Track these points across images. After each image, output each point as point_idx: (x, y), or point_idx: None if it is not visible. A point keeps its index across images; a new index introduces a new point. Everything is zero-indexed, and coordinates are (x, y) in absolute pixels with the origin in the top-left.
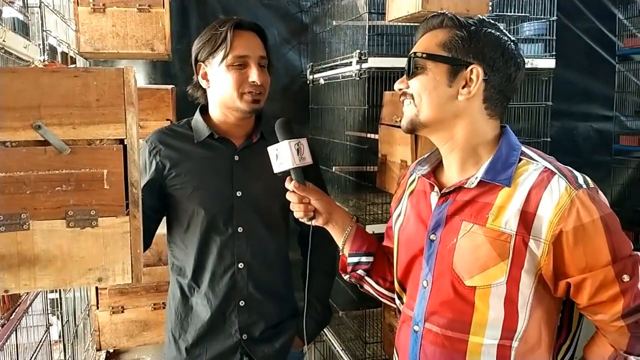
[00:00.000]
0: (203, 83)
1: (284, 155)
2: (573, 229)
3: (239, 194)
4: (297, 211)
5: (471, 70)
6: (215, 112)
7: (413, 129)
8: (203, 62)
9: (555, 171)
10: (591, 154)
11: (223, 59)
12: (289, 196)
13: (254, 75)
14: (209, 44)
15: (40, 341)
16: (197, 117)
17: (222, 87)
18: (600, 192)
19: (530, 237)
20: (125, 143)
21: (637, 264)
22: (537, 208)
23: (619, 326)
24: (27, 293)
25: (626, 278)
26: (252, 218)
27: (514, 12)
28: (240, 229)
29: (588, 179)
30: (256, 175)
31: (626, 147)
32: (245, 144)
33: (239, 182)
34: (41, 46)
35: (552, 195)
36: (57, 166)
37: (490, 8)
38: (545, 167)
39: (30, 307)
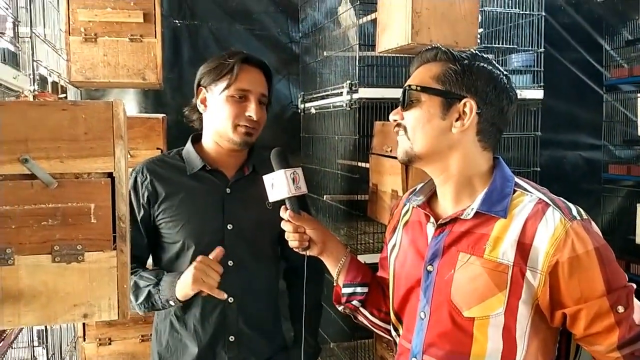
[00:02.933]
0: (200, 107)
1: (279, 184)
2: (568, 259)
3: (229, 227)
4: (292, 240)
5: (464, 104)
6: (208, 141)
7: (409, 161)
8: (205, 87)
9: (550, 202)
10: (580, 183)
11: (225, 88)
12: (284, 225)
13: (251, 110)
14: (215, 71)
15: None
16: (189, 147)
17: (218, 116)
18: (593, 223)
19: (527, 267)
20: (114, 176)
21: (632, 294)
22: (534, 239)
23: (615, 357)
24: None
25: (621, 309)
26: (243, 251)
27: (502, 44)
28: (230, 263)
29: (581, 210)
30: (247, 208)
31: (615, 175)
32: (237, 176)
33: (230, 215)
34: (31, 76)
35: (548, 226)
36: (43, 200)
37: (478, 40)
38: (540, 199)
39: (15, 340)
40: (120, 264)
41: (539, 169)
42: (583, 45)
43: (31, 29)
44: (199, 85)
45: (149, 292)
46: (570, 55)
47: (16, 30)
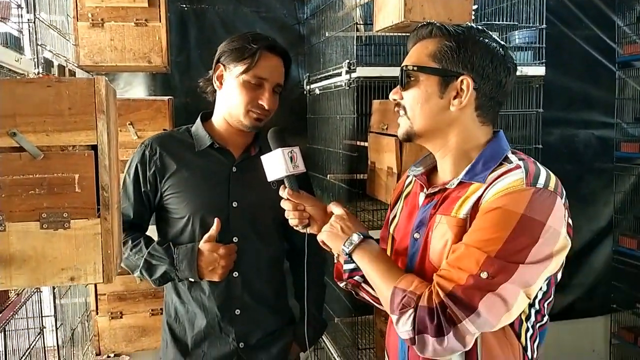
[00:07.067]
0: (216, 84)
1: (277, 163)
2: (495, 208)
3: (234, 204)
4: (292, 218)
5: (461, 81)
6: (218, 118)
7: (409, 139)
8: (224, 65)
9: (522, 166)
10: (592, 161)
11: (243, 72)
12: (283, 204)
13: (265, 99)
14: (236, 52)
15: (31, 345)
16: (199, 124)
17: (232, 98)
18: (558, 199)
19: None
20: (97, 149)
21: (508, 278)
22: (488, 192)
23: (436, 291)
24: (18, 294)
25: (484, 275)
26: (246, 228)
27: (504, 20)
28: (235, 239)
29: (553, 183)
30: (252, 187)
31: (628, 154)
32: (244, 156)
33: (235, 193)
34: (35, 59)
35: (504, 181)
36: (31, 171)
37: (473, 16)
38: (517, 164)
39: (20, 311)
40: (104, 231)
41: (541, 146)
42: (595, 22)
43: (34, 14)
44: (218, 61)
45: (166, 271)
46: (582, 32)
47: (20, 16)
